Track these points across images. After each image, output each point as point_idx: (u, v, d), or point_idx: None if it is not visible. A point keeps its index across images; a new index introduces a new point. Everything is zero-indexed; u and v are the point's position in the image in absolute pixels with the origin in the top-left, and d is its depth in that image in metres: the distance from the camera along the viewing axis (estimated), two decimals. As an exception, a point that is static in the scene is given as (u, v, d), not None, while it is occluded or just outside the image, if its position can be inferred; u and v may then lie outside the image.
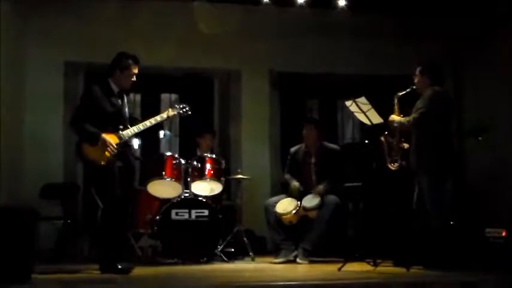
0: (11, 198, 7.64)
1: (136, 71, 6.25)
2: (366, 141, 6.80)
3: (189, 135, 8.80)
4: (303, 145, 7.65)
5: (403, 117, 6.37)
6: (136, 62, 6.25)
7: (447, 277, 5.48)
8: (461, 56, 9.49)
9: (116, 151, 5.99)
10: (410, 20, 9.26)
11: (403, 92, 6.44)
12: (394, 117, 6.38)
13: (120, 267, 5.85)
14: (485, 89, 8.97)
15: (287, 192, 7.47)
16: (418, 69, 6.43)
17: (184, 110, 6.77)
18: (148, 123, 6.33)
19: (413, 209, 6.33)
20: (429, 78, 6.36)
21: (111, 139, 6.00)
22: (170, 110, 6.66)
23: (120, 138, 6.07)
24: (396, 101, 6.43)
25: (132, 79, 6.25)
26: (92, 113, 6.03)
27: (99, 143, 5.94)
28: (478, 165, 8.97)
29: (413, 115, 6.22)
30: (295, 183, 7.39)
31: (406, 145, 6.41)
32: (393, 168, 6.38)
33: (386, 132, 6.43)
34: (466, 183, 9.10)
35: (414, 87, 6.43)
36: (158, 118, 6.45)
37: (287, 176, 7.62)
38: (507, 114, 8.49)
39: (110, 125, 6.07)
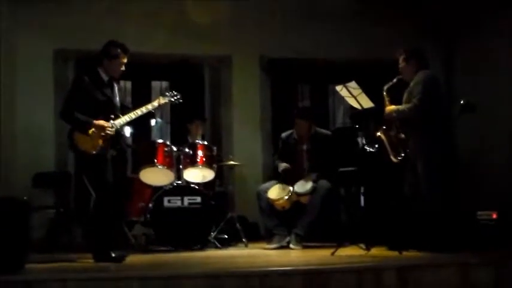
0: (2, 188, 7.62)
1: (125, 60, 6.21)
2: (356, 126, 6.79)
3: (180, 123, 8.79)
4: (294, 131, 7.63)
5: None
6: (125, 51, 6.20)
7: (440, 259, 5.50)
8: (454, 39, 9.49)
9: (113, 132, 5.99)
10: (402, 3, 9.26)
11: (390, 84, 6.36)
12: (391, 108, 6.29)
13: (113, 255, 5.85)
14: (481, 72, 8.92)
15: (279, 177, 7.48)
16: (401, 58, 6.37)
17: (175, 97, 6.78)
18: (139, 111, 6.31)
19: (406, 194, 6.33)
20: (415, 64, 6.32)
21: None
22: (161, 98, 6.65)
23: (111, 127, 6.06)
24: (385, 93, 6.35)
25: (121, 68, 6.23)
26: (82, 103, 6.00)
27: (91, 131, 5.93)
28: (469, 148, 8.99)
29: (413, 101, 6.15)
30: (283, 165, 7.38)
31: (403, 135, 6.35)
32: (396, 161, 6.29)
33: (384, 127, 6.35)
34: (457, 166, 9.13)
35: (400, 76, 6.39)
36: (149, 106, 6.43)
37: (277, 161, 7.62)
38: (501, 96, 8.48)
39: (101, 114, 6.04)
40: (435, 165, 6.18)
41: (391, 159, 6.30)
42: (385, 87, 6.37)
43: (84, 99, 6.01)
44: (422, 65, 6.35)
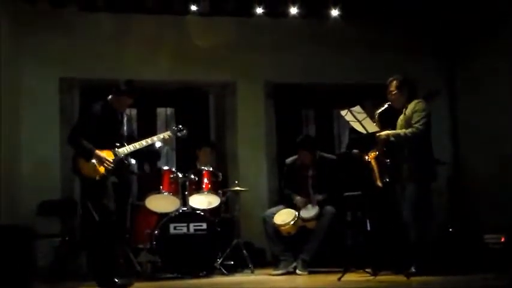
0: (8, 216, 7.61)
1: (129, 102, 6.34)
2: (355, 151, 6.79)
3: (185, 149, 8.80)
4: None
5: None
6: (130, 95, 6.30)
7: (448, 284, 5.47)
8: (455, 60, 9.52)
9: (112, 166, 6.02)
10: (404, 27, 9.30)
11: (382, 109, 6.44)
12: (387, 132, 6.34)
13: (117, 282, 5.84)
14: (483, 91, 8.92)
15: (285, 203, 7.45)
16: (394, 85, 6.47)
17: (180, 132, 6.80)
18: (144, 142, 6.41)
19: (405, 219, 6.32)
20: (407, 93, 6.46)
21: (106, 155, 6.05)
22: (166, 133, 6.70)
23: (115, 155, 6.12)
24: (377, 118, 6.41)
25: (125, 106, 6.37)
26: (89, 130, 6.09)
27: (93, 159, 5.98)
28: (476, 170, 8.97)
29: (416, 126, 6.23)
30: (298, 199, 7.36)
31: (387, 160, 6.39)
32: (381, 185, 6.31)
33: (377, 152, 6.36)
34: (465, 189, 9.11)
35: (389, 103, 6.46)
36: (155, 138, 6.53)
37: (287, 191, 7.58)
38: (503, 116, 8.47)
39: (107, 141, 6.15)
40: (427, 187, 6.32)
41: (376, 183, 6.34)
42: (377, 112, 6.41)
43: (91, 127, 6.10)
44: (413, 94, 6.51)
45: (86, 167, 6.02)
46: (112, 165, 6.06)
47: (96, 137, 6.07)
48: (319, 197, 7.28)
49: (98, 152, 6.02)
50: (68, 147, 6.42)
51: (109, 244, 5.98)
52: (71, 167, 6.21)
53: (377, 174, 6.27)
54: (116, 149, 6.17)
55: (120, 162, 6.19)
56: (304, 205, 7.27)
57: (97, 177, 6.00)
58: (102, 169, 6.02)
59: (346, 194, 7.34)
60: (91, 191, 6.15)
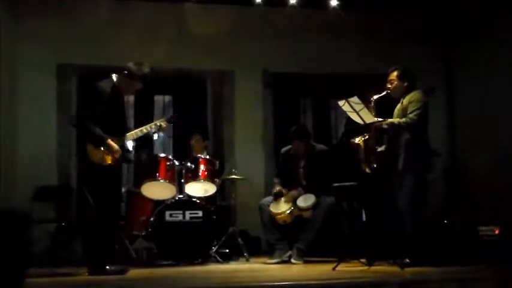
0: (4, 202, 7.61)
1: (139, 87, 6.28)
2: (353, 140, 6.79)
3: (182, 137, 8.79)
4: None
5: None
6: (143, 81, 6.25)
7: (442, 275, 5.48)
8: (454, 51, 9.53)
9: (119, 157, 6.02)
10: (403, 19, 9.29)
11: (379, 96, 6.42)
12: (382, 120, 6.33)
13: (108, 268, 5.84)
14: (481, 82, 8.92)
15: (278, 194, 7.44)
16: (395, 74, 6.47)
17: (172, 118, 6.83)
18: (144, 129, 6.44)
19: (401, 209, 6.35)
20: (407, 83, 6.44)
21: (116, 144, 6.02)
22: (162, 121, 6.74)
23: (121, 141, 6.12)
24: (373, 104, 6.40)
25: (132, 91, 6.36)
26: (98, 113, 5.98)
27: (104, 147, 5.95)
28: (472, 163, 8.99)
29: (410, 116, 6.24)
30: (277, 188, 7.39)
31: (380, 148, 6.40)
32: (368, 171, 6.34)
33: (366, 136, 6.38)
34: (460, 181, 9.13)
35: (388, 91, 6.46)
36: (153, 126, 6.54)
37: (275, 179, 7.61)
38: (502, 107, 8.48)
39: (113, 126, 6.08)
40: (423, 178, 6.34)
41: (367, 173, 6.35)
42: (374, 99, 6.40)
43: (99, 108, 5.99)
44: (413, 85, 6.49)
45: (95, 152, 5.95)
46: (120, 156, 6.03)
47: (104, 120, 5.97)
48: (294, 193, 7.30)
49: (110, 141, 5.96)
50: (69, 131, 6.39)
51: (106, 232, 5.97)
52: (78, 151, 6.15)
53: (363, 159, 6.29)
54: (123, 136, 6.16)
55: (125, 149, 6.19)
56: (278, 192, 7.30)
57: (109, 163, 5.97)
58: (109, 158, 5.99)
59: (336, 184, 7.29)
60: (93, 178, 6.08)
